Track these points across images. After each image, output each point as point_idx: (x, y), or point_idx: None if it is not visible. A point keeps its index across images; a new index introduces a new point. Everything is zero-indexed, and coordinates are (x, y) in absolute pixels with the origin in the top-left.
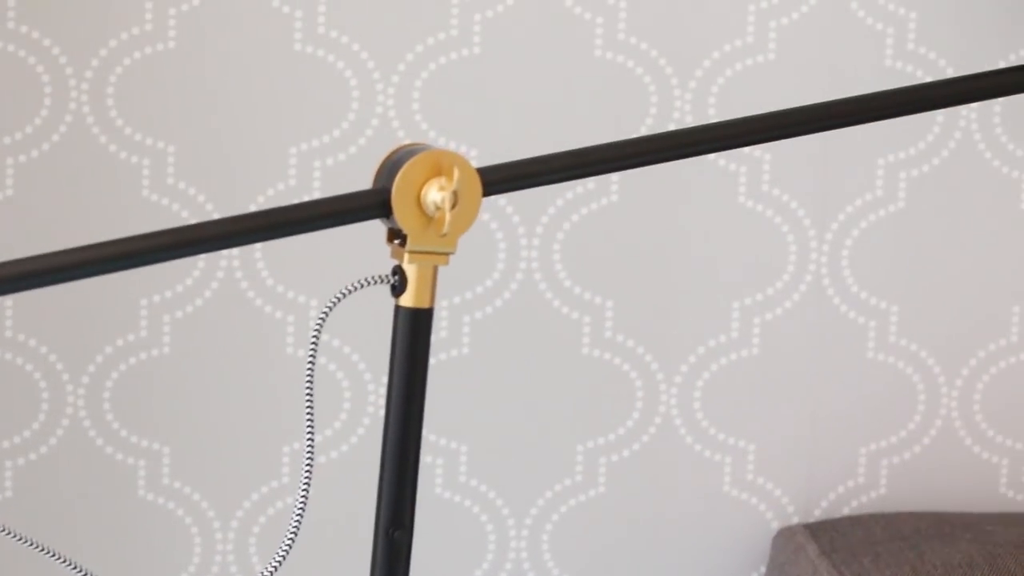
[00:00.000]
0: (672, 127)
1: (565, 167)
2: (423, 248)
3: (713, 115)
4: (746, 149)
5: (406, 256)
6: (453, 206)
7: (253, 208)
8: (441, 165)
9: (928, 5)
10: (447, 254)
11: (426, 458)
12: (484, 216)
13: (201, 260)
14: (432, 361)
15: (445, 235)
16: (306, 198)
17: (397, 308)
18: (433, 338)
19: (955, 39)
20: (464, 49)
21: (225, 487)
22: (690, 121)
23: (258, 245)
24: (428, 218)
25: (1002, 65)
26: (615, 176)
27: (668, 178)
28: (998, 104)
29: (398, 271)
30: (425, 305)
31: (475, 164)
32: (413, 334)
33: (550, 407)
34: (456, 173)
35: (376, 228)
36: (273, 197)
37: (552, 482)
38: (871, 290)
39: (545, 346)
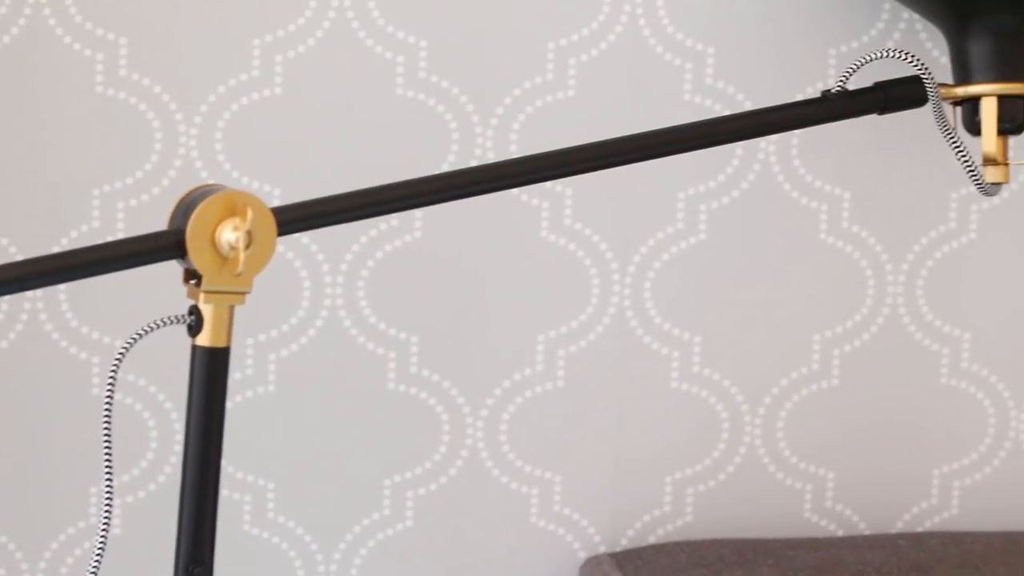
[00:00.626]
0: (474, 164)
1: (360, 205)
2: (218, 288)
3: (515, 151)
4: (548, 184)
5: (202, 296)
6: (247, 246)
7: (57, 250)
8: (235, 205)
9: (725, 41)
10: (243, 293)
11: (233, 495)
12: (288, 254)
13: (4, 302)
14: (238, 399)
15: (240, 275)
16: (110, 239)
17: (194, 347)
18: (238, 376)
19: (752, 74)
20: (266, 90)
21: (32, 529)
22: (492, 157)
23: (62, 286)
24: (223, 258)
25: (799, 98)
26: (418, 213)
27: (471, 214)
28: (796, 136)
29: (194, 311)
30: (222, 344)
31: (278, 204)
32: (210, 373)
33: (357, 442)
34: (250, 213)
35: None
36: (77, 239)
37: (360, 517)
38: (674, 321)
39: (351, 382)
